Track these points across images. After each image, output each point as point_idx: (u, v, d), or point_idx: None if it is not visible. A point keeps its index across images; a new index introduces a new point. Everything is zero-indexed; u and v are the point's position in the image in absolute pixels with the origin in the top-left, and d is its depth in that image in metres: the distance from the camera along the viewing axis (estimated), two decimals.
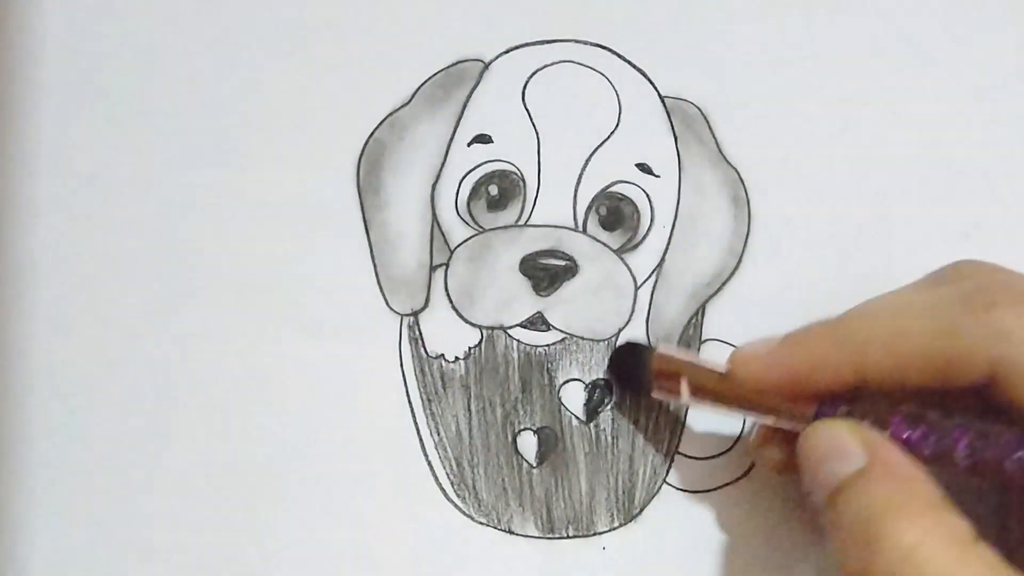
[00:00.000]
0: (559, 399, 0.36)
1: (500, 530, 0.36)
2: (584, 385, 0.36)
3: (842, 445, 0.30)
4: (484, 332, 0.36)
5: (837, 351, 0.31)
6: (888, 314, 0.31)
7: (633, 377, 0.35)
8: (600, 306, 0.36)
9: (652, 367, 0.34)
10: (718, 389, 0.33)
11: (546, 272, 0.35)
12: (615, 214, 0.36)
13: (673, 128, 0.36)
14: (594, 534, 0.36)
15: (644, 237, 0.36)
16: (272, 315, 0.35)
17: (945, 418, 0.30)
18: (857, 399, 0.31)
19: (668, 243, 0.36)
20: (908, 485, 0.29)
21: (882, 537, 0.28)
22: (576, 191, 0.36)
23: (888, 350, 0.30)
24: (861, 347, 0.30)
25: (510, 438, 0.36)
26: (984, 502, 0.32)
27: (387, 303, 0.36)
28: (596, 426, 0.36)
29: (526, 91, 0.36)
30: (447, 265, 0.36)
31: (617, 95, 0.36)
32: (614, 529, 0.36)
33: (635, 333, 0.36)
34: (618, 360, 0.36)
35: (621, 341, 0.36)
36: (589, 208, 0.36)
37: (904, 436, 0.30)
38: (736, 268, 0.36)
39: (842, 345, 0.31)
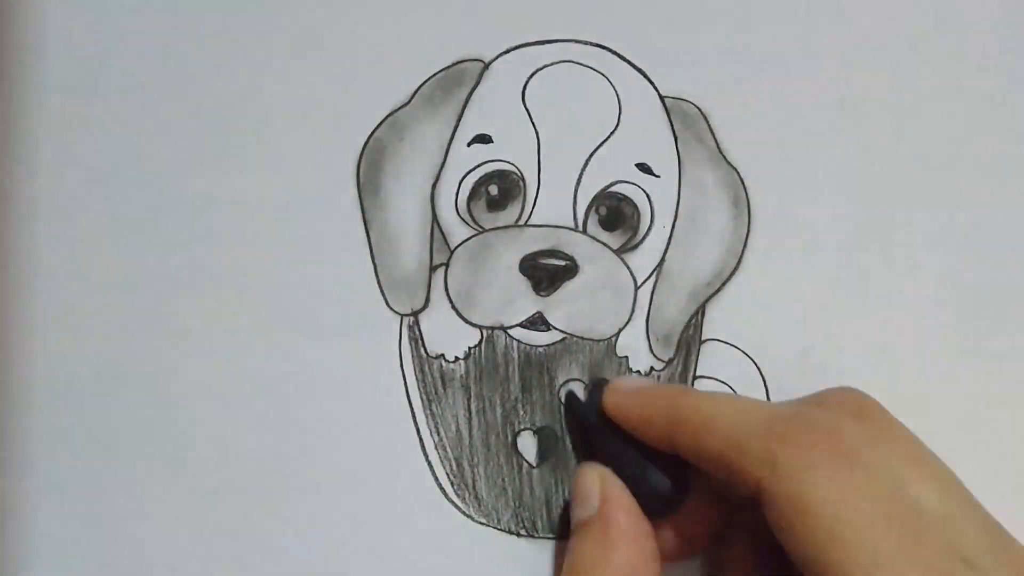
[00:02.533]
0: (559, 399, 0.36)
1: (500, 530, 0.36)
2: (584, 385, 0.36)
3: (585, 491, 0.32)
4: (484, 332, 0.36)
5: (660, 419, 0.32)
6: (719, 413, 0.31)
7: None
8: (600, 306, 0.36)
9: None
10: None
11: (546, 272, 0.35)
12: (615, 214, 0.36)
13: (673, 128, 0.36)
14: None
15: (644, 237, 0.36)
16: (272, 315, 0.36)
17: None
18: None
19: (668, 243, 0.36)
20: (617, 547, 0.31)
21: None
22: (576, 191, 0.36)
23: (694, 440, 0.31)
24: (675, 427, 0.31)
25: (510, 438, 0.36)
26: None
27: (387, 303, 0.36)
28: None
29: (526, 91, 0.36)
30: (447, 265, 0.36)
31: (617, 95, 0.36)
32: None
33: (635, 332, 0.36)
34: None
35: (623, 346, 0.36)
36: (589, 208, 0.36)
37: None
38: (736, 268, 0.36)
39: (665, 417, 0.32)
